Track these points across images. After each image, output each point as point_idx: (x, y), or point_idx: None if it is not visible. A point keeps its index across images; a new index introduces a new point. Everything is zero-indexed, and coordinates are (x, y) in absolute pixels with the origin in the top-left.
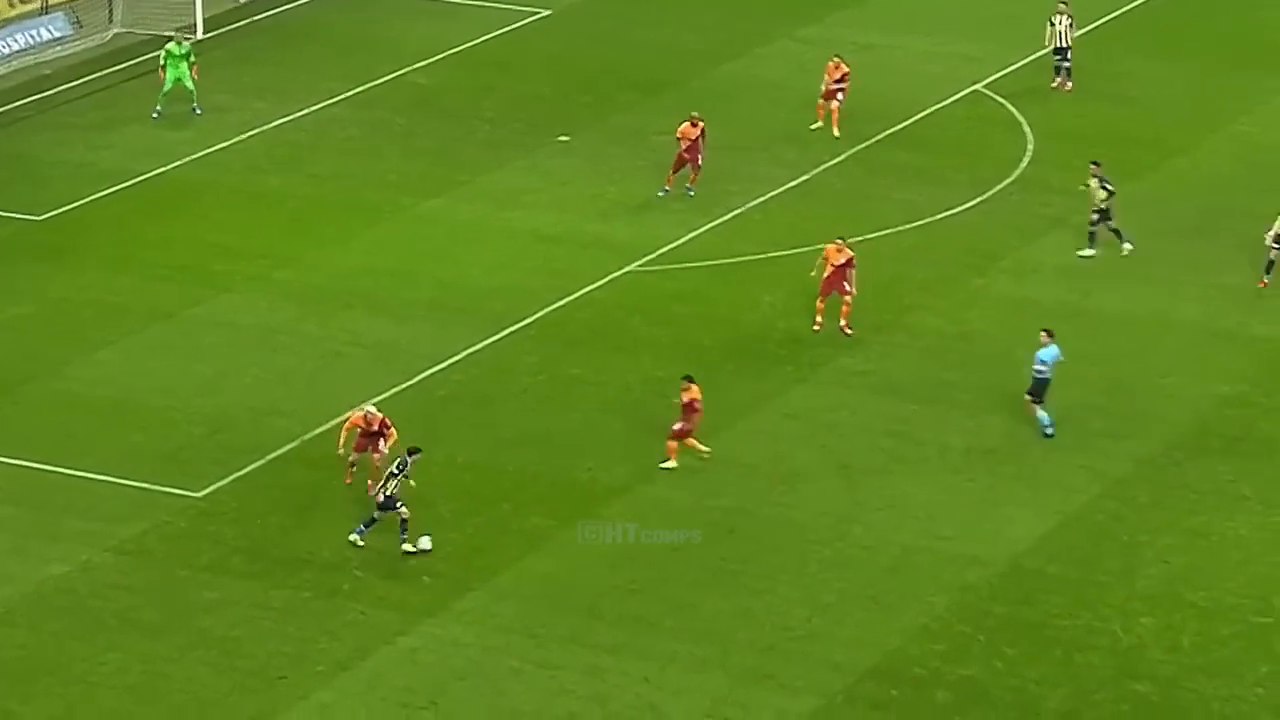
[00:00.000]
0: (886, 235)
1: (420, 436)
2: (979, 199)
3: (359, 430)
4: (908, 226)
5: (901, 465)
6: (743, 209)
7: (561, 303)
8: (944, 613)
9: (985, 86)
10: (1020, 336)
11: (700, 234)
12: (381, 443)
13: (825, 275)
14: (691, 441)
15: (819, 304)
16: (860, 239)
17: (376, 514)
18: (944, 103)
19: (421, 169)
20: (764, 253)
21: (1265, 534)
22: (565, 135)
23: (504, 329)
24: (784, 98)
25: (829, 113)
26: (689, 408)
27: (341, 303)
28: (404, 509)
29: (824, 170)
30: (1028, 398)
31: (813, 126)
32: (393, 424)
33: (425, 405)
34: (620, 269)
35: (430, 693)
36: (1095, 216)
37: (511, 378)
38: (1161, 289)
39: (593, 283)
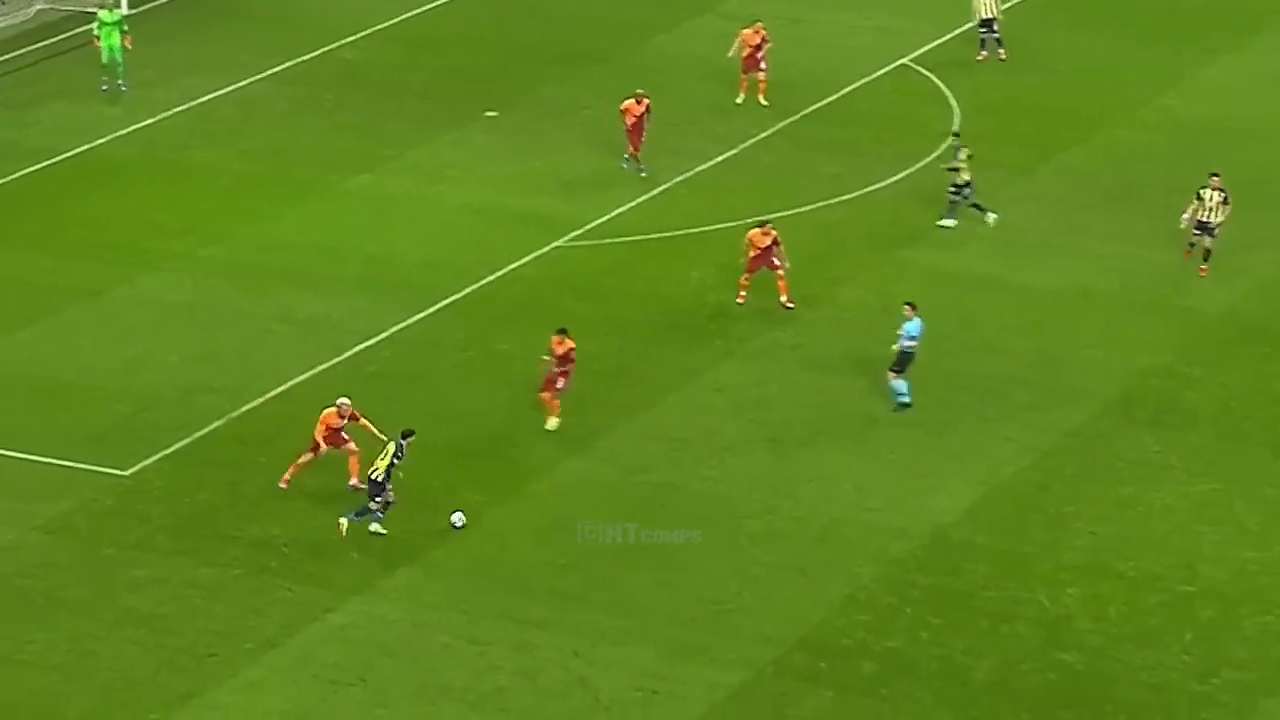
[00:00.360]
0: (814, 209)
1: None
2: (905, 173)
3: (328, 429)
4: (835, 200)
5: (829, 438)
6: (671, 184)
7: (490, 278)
8: (871, 584)
9: (911, 60)
10: (947, 309)
11: (629, 209)
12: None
13: (751, 255)
14: (550, 400)
15: (744, 279)
16: (787, 213)
17: (370, 499)
18: (870, 77)
19: (349, 144)
20: (692, 227)
21: (1190, 503)
22: (493, 110)
23: (433, 305)
24: (712, 72)
25: (754, 83)
26: (565, 360)
27: (270, 279)
28: (391, 493)
29: (752, 145)
30: (890, 371)
31: (738, 100)
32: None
33: (355, 381)
34: (549, 244)
35: (359, 669)
36: (956, 190)
37: (441, 354)
38: (1086, 261)
39: (522, 258)
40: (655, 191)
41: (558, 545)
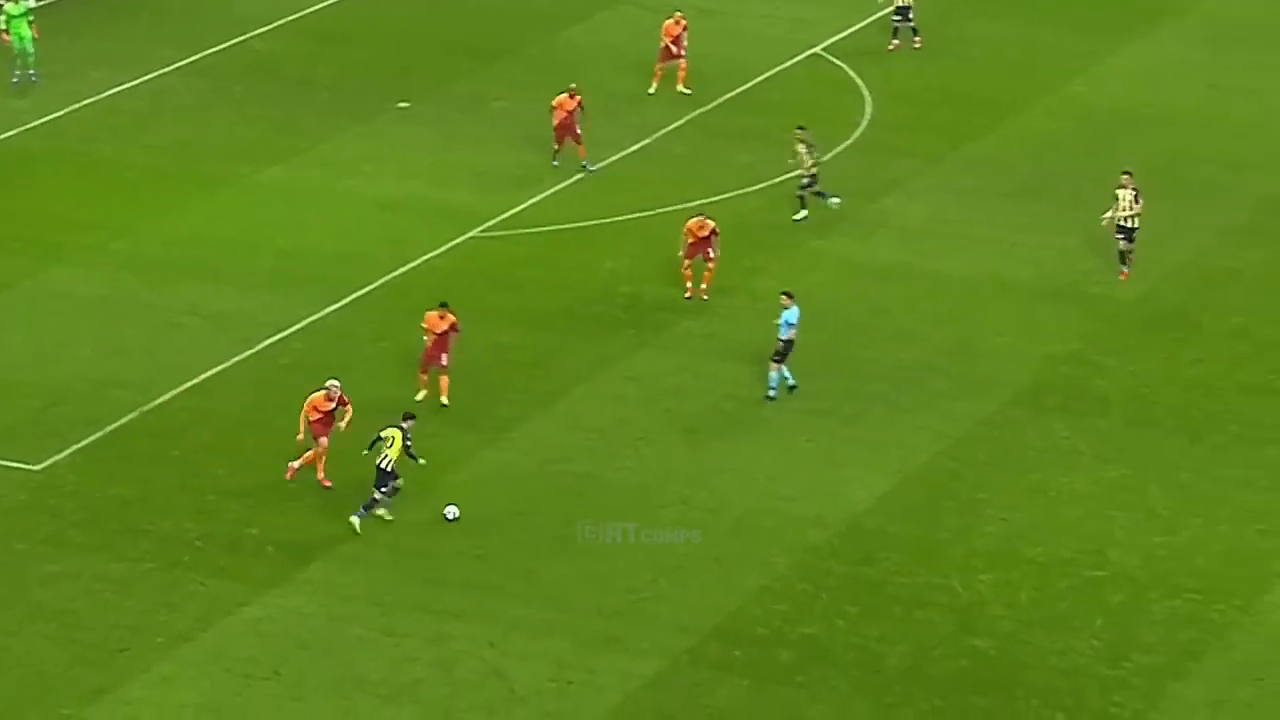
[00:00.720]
0: (727, 199)
1: (263, 406)
2: (818, 161)
3: (317, 412)
4: (748, 190)
5: (743, 428)
6: (582, 174)
7: (403, 270)
8: (786, 573)
9: (823, 49)
10: (860, 299)
11: (542, 199)
12: (341, 421)
13: (687, 245)
14: (425, 378)
15: (685, 271)
16: (700, 203)
17: (379, 492)
18: (783, 66)
19: (260, 137)
20: (606, 217)
21: (1100, 489)
22: (405, 102)
23: (346, 297)
24: (624, 62)
25: (671, 72)
26: (453, 329)
27: (180, 272)
28: (399, 480)
29: (664, 135)
30: (772, 360)
31: (650, 90)
32: (348, 400)
33: (267, 374)
34: (462, 235)
35: (274, 663)
36: (805, 181)
37: (354, 346)
38: (997, 250)
39: (435, 249)
40: (569, 182)
41: (474, 536)
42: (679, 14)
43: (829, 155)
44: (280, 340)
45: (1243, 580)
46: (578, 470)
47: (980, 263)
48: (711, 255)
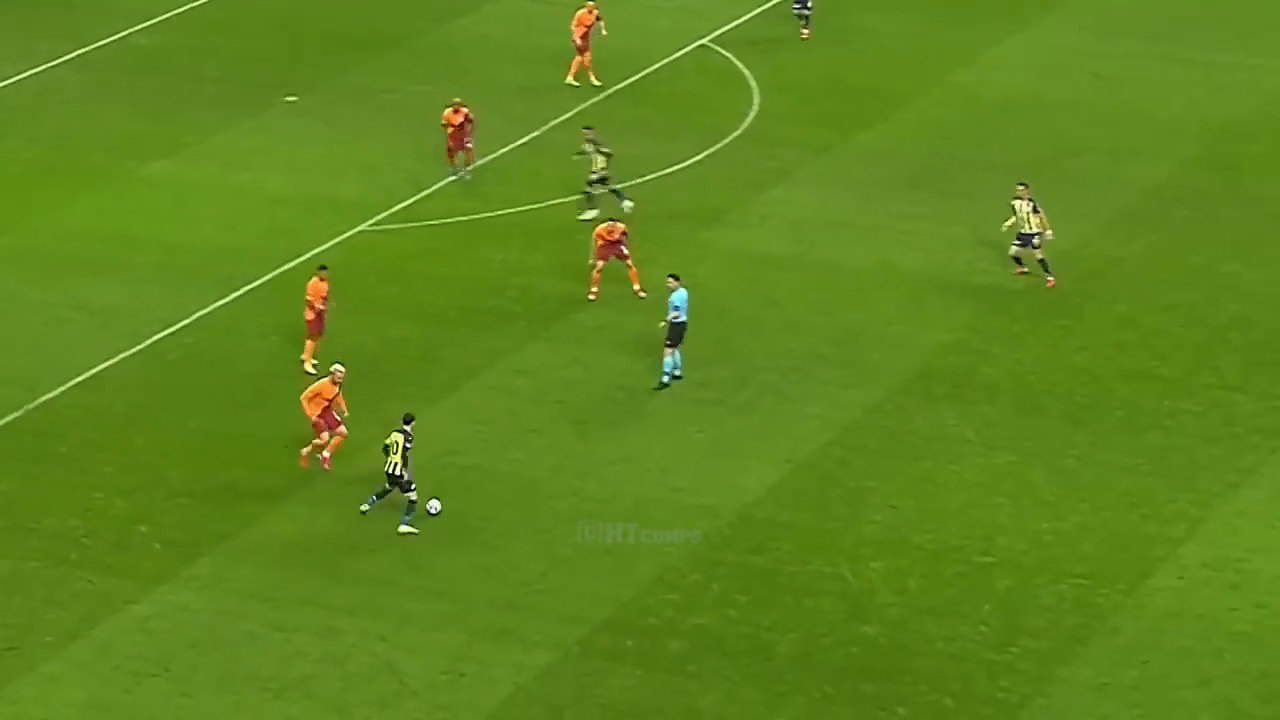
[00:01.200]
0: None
1: (151, 402)
2: (706, 153)
3: (324, 400)
4: (636, 181)
5: (634, 419)
6: (472, 167)
7: (293, 264)
8: (678, 563)
9: (711, 41)
10: (749, 289)
11: (431, 193)
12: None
13: (599, 246)
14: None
15: (595, 274)
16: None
17: (388, 487)
18: (671, 57)
19: (146, 131)
20: (496, 210)
21: (987, 476)
22: (293, 95)
23: (235, 291)
24: (512, 54)
25: (583, 65)
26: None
27: (66, 267)
28: (414, 492)
29: (553, 127)
30: (665, 345)
31: (569, 80)
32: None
33: (155, 370)
34: (352, 229)
35: (162, 660)
36: (593, 179)
37: (243, 340)
38: (886, 239)
39: (324, 243)
40: (458, 175)
41: (365, 530)
42: (592, 4)
43: (718, 146)
44: (168, 335)
45: (1127, 565)
46: (468, 463)
47: (869, 253)
48: (626, 255)
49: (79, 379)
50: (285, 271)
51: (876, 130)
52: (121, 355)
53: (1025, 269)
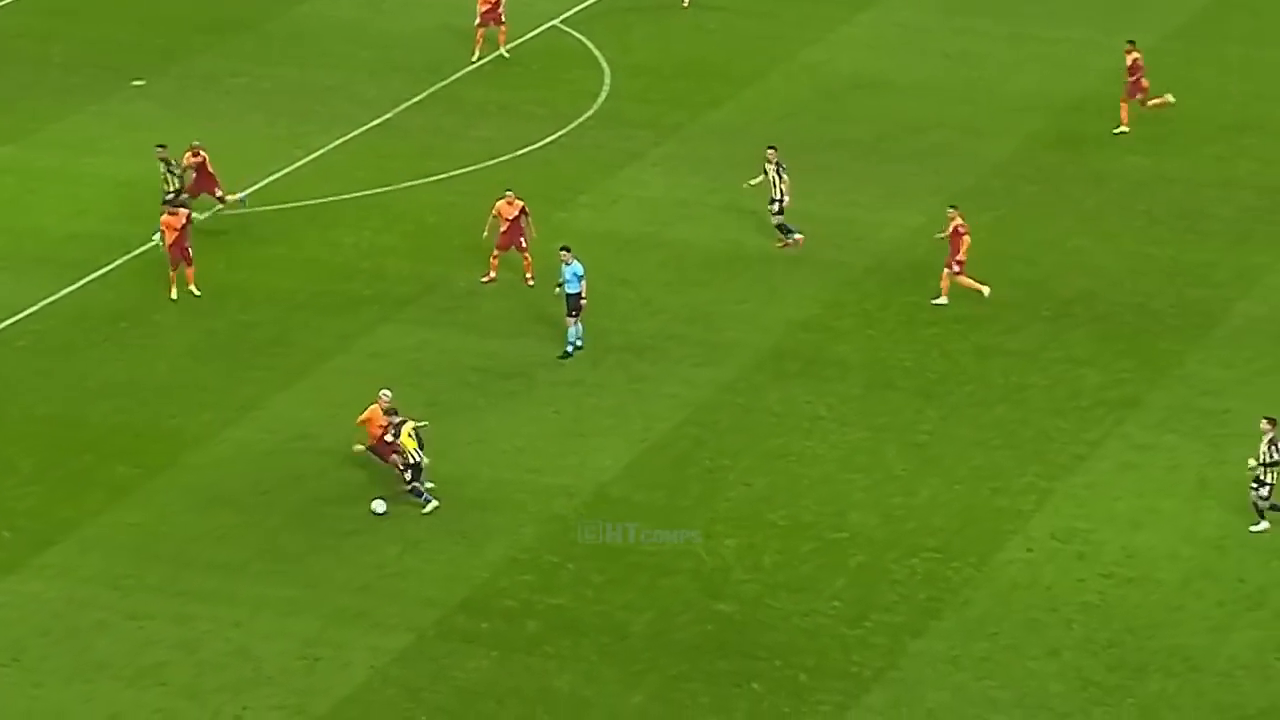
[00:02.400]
0: (468, 172)
1: None
2: (558, 134)
3: (380, 429)
4: (490, 162)
5: (488, 400)
6: (324, 150)
7: (143, 249)
8: (533, 543)
9: (562, 22)
10: (602, 269)
11: (282, 176)
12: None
13: (501, 230)
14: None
15: (493, 259)
16: (442, 177)
17: (412, 478)
18: (522, 38)
19: None
20: (347, 193)
21: (840, 452)
22: (140, 79)
23: (84, 277)
24: (361, 36)
25: (492, 37)
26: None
27: None
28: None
29: (405, 109)
30: (568, 316)
31: (473, 58)
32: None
33: (3, 358)
34: (203, 213)
35: (12, 650)
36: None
37: (94, 326)
38: (736, 218)
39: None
40: (309, 159)
41: (217, 517)
42: None
43: (570, 127)
44: (16, 323)
45: (978, 538)
46: (321, 447)
47: (720, 231)
48: (525, 244)
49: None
50: (135, 258)
51: (726, 109)
52: None
53: (793, 240)
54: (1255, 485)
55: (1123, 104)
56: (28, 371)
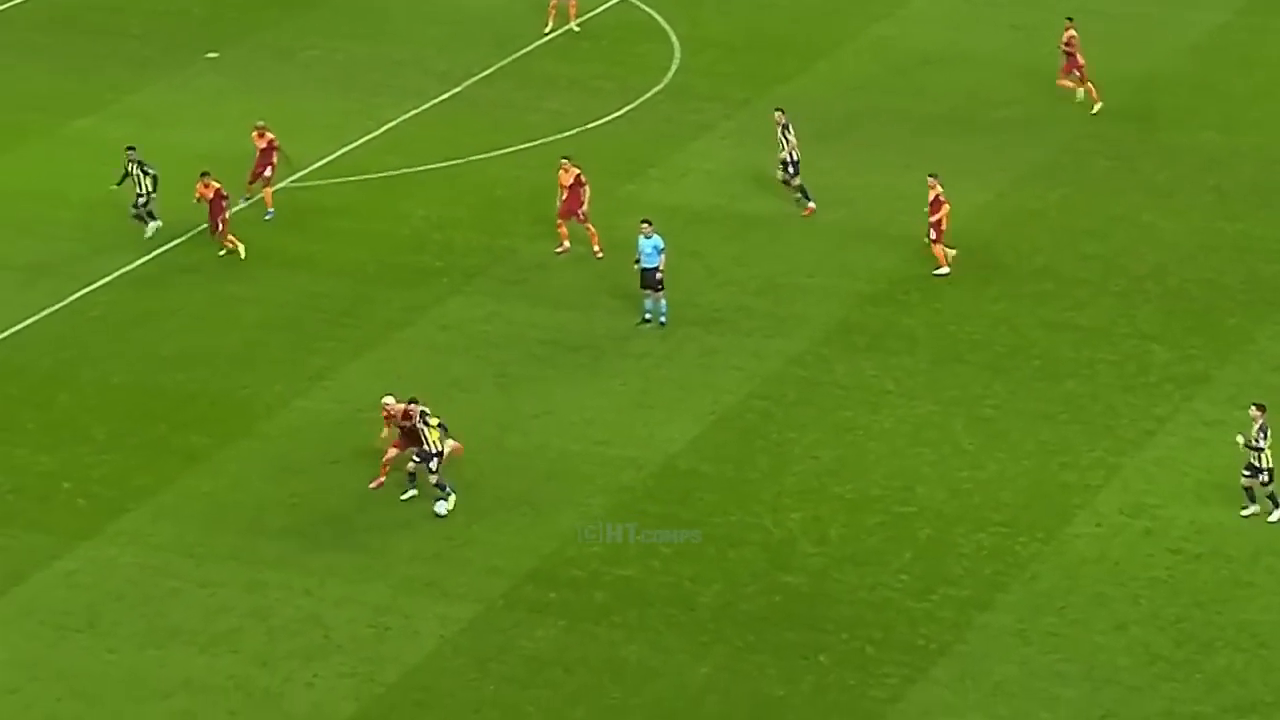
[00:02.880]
0: (537, 145)
1: (73, 359)
2: (627, 107)
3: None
4: (559, 136)
5: (557, 372)
6: (395, 123)
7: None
8: (601, 514)
9: None
10: (671, 241)
11: (353, 149)
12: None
13: (562, 199)
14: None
15: (560, 229)
16: (512, 150)
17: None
18: (592, 12)
19: (68, 88)
20: (417, 166)
21: (907, 426)
22: (214, 52)
23: (159, 248)
24: (431, 10)
25: (563, 9)
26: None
27: None
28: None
29: (475, 82)
30: (654, 290)
31: (546, 29)
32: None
33: (77, 326)
34: (274, 186)
35: (87, 615)
36: (787, 167)
37: (168, 296)
38: (810, 190)
39: (247, 200)
40: (380, 131)
41: (288, 485)
42: None
43: (639, 101)
44: (91, 292)
45: (1045, 513)
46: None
47: (788, 205)
48: (582, 210)
49: (2, 336)
50: (205, 229)
51: (796, 83)
52: (44, 312)
53: (814, 205)
54: (1248, 471)
55: (1089, 86)
56: (102, 341)
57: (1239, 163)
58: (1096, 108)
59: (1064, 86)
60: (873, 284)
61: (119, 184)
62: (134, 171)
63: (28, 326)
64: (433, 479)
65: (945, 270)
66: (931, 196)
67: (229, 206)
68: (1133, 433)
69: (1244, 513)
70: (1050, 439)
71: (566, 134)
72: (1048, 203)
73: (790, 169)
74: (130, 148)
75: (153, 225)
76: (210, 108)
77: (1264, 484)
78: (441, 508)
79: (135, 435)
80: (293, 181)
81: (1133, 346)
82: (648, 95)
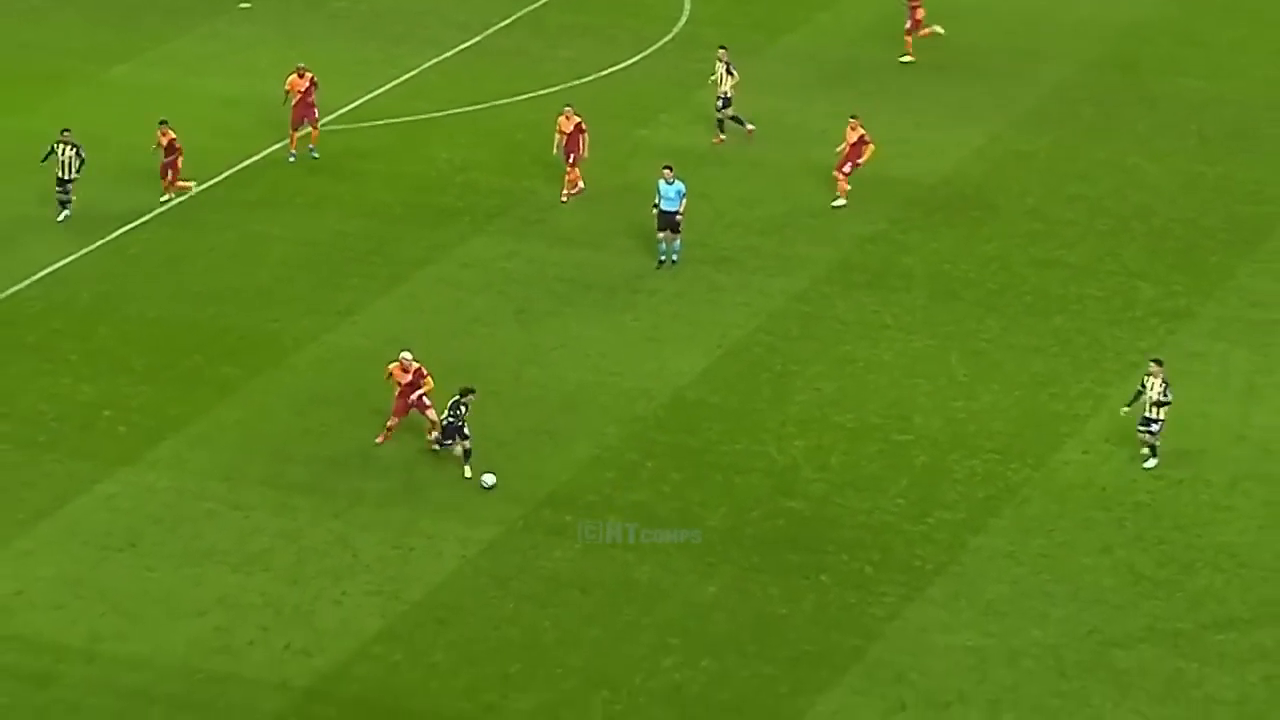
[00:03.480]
0: (555, 92)
1: (114, 294)
2: (640, 55)
3: (398, 384)
4: (575, 82)
5: (573, 308)
6: (417, 70)
7: (247, 163)
8: (615, 443)
9: None
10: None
11: (378, 95)
12: (422, 397)
13: (562, 145)
14: (179, 184)
15: (566, 174)
16: (529, 95)
17: (443, 443)
18: None
19: (106, 36)
20: (439, 111)
21: (905, 359)
22: (246, 2)
23: (192, 190)
24: None
25: None
26: (170, 149)
27: (28, 168)
28: (468, 441)
29: (494, 32)
30: (661, 232)
31: None
32: (427, 372)
33: (118, 264)
34: (302, 129)
35: (128, 535)
36: (721, 101)
37: (201, 236)
38: (809, 136)
39: (276, 143)
40: (404, 78)
41: (317, 415)
42: None
43: (651, 49)
44: (129, 231)
45: (1035, 440)
46: (416, 351)
47: (794, 149)
48: (576, 156)
49: (45, 272)
50: (239, 171)
51: (801, 33)
52: (85, 250)
53: (724, 137)
54: (1143, 424)
55: (907, 37)
56: (139, 277)
57: (1220, 109)
58: (907, 58)
59: (925, 36)
60: (872, 225)
61: (44, 160)
62: (65, 154)
63: (70, 263)
64: (464, 445)
65: (843, 202)
66: (855, 137)
67: (181, 156)
68: (1119, 365)
69: (1146, 465)
70: (1040, 371)
71: (581, 81)
72: (1037, 147)
73: (723, 103)
74: (65, 130)
75: (64, 214)
76: (243, 56)
77: (1153, 434)
78: (489, 479)
79: (171, 367)
80: (322, 125)
81: (1119, 283)
82: (658, 44)
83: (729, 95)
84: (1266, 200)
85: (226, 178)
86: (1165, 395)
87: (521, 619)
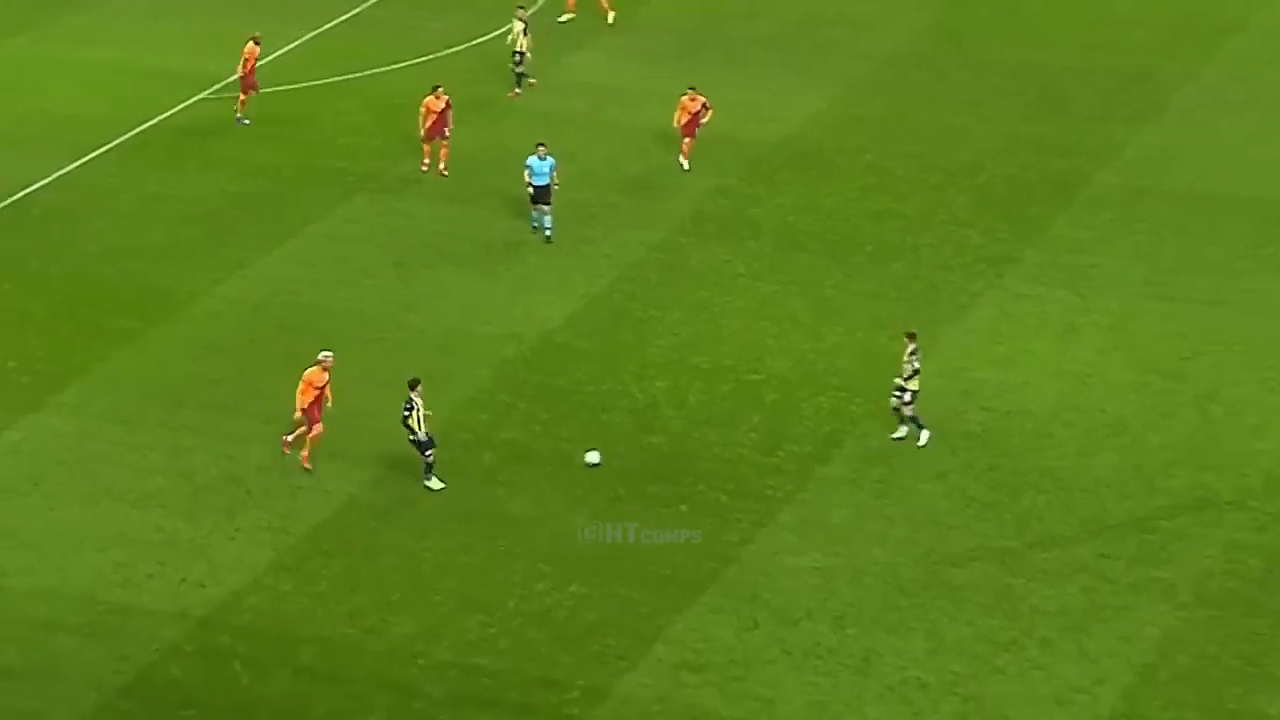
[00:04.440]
0: (429, 60)
1: (18, 252)
2: (508, 27)
3: (314, 389)
4: (448, 51)
5: (449, 260)
6: (302, 40)
7: (141, 128)
8: (488, 384)
9: None
10: (549, 144)
11: (265, 64)
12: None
13: (427, 124)
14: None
15: (425, 147)
16: (406, 63)
17: (427, 453)
18: None
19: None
20: (323, 78)
21: (755, 304)
22: None
23: (89, 154)
24: None
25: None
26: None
27: None
28: (431, 454)
29: (372, 5)
30: (535, 205)
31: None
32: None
33: (21, 224)
34: (193, 97)
35: (34, 477)
36: (517, 58)
37: (98, 197)
38: (664, 102)
39: (170, 109)
40: (288, 48)
41: (211, 363)
42: None
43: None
44: (31, 194)
45: (876, 379)
46: (303, 301)
47: (650, 114)
48: (448, 133)
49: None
50: (134, 136)
51: (655, 6)
52: None
53: (520, 91)
54: (897, 393)
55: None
56: (42, 236)
57: (1036, 73)
58: (611, 17)
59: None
60: (721, 180)
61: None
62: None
63: None
64: (429, 457)
65: (688, 166)
66: (696, 106)
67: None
68: (950, 307)
69: (893, 436)
70: (880, 313)
71: (454, 49)
72: (872, 109)
73: (518, 59)
74: (520, 6)
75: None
76: (131, 26)
77: (907, 403)
78: (593, 456)
79: (72, 319)
80: (211, 93)
81: (949, 232)
82: (530, 12)
83: (524, 52)
84: (1079, 155)
85: (121, 142)
86: (914, 364)
87: (401, 549)
